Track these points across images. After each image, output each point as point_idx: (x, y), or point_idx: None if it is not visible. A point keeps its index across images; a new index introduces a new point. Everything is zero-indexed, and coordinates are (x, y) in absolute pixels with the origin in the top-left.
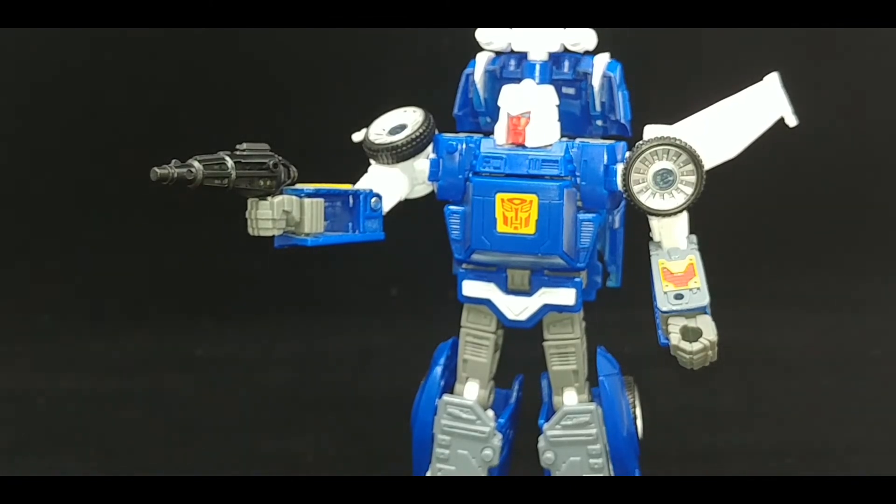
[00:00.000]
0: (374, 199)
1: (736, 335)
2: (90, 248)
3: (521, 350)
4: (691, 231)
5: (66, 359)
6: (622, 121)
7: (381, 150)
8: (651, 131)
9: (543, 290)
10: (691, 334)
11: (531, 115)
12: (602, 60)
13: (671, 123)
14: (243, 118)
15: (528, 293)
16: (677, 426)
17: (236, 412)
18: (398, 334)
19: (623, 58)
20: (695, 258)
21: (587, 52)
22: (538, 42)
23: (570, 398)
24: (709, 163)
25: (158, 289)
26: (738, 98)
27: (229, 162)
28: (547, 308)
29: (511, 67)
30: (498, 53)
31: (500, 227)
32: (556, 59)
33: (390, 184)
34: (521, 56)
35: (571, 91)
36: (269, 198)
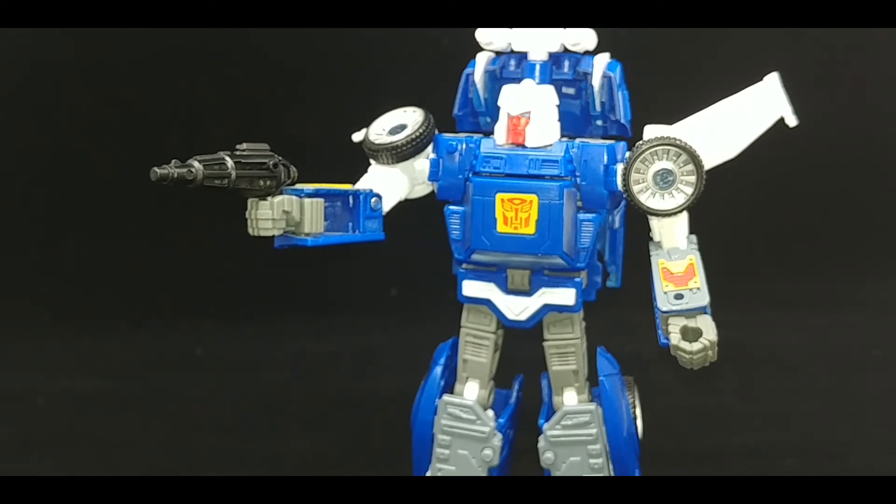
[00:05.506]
0: (374, 199)
1: (736, 335)
2: (90, 248)
3: (521, 350)
4: (691, 231)
5: (66, 359)
6: (622, 121)
7: (381, 150)
8: (651, 131)
9: (543, 290)
10: (691, 334)
11: (531, 115)
12: (602, 60)
13: (671, 123)
14: (244, 118)
15: (528, 293)
16: (677, 426)
17: (236, 412)
18: (398, 334)
19: (623, 58)
20: (695, 258)
21: (587, 52)
22: (538, 42)
23: (570, 398)
24: (709, 163)
25: (158, 289)
26: (738, 98)
27: (229, 162)
28: (547, 308)
29: (511, 67)
30: (498, 53)
31: (500, 227)
32: (556, 59)
33: (390, 184)
34: (521, 56)
35: (571, 91)
36: (269, 198)
